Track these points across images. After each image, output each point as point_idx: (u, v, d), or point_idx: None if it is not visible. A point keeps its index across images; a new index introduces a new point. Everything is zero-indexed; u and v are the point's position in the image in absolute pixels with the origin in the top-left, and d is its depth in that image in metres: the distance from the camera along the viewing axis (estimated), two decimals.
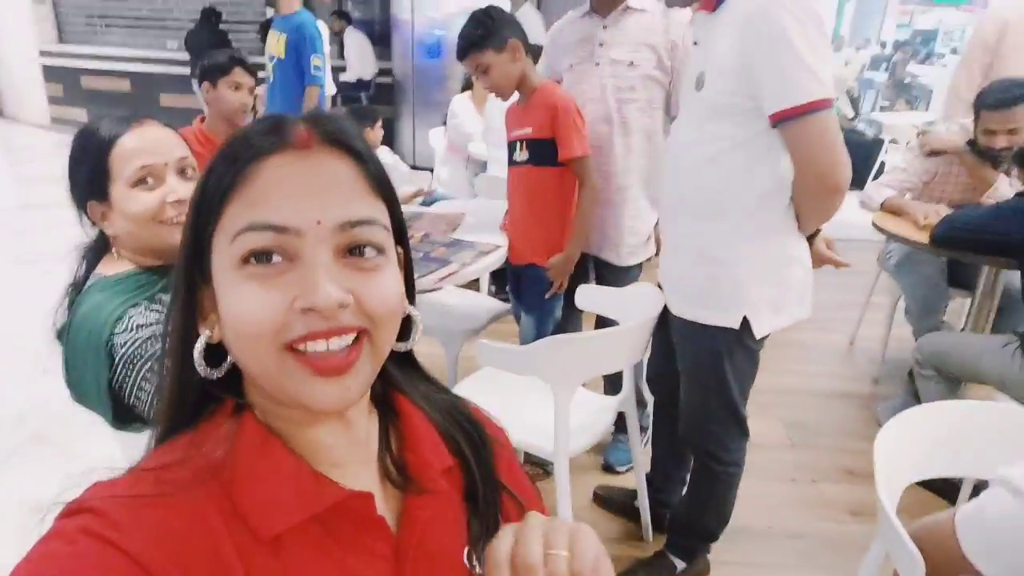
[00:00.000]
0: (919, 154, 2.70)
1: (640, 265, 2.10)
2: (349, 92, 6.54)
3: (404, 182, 3.32)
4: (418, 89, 6.19)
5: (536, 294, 2.02)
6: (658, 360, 1.76)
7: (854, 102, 7.82)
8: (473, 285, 3.02)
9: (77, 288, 1.11)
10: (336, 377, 0.49)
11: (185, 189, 1.11)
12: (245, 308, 0.48)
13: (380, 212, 0.53)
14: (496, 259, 1.94)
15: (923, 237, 2.28)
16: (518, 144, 2.00)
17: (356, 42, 6.58)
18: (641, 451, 1.95)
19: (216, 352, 0.52)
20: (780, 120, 1.30)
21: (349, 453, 0.55)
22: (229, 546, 0.47)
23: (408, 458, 0.59)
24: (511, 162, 2.05)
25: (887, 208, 2.61)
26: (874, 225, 2.53)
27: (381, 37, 6.83)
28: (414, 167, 5.79)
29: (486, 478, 0.62)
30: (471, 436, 0.63)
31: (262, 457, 0.50)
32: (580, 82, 1.98)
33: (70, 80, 7.81)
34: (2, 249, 4.31)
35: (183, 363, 0.52)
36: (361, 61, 6.60)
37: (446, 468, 0.60)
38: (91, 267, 1.13)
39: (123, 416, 1.05)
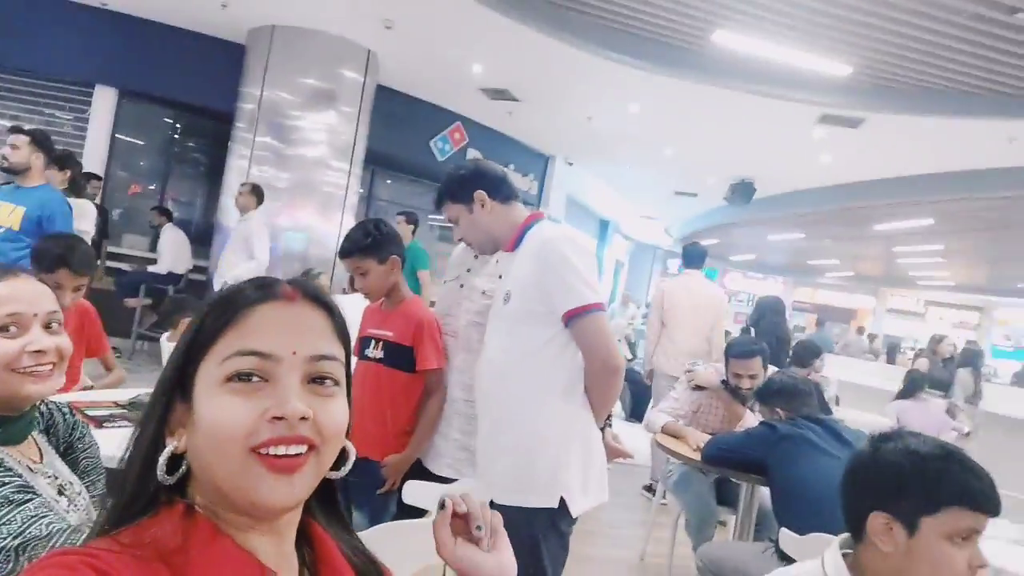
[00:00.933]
0: (687, 387, 3.26)
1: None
2: (157, 284, 6.31)
3: None
4: None
5: (368, 489, 2.02)
6: None
7: (632, 347, 9.06)
8: None
9: None
10: (287, 475, 0.59)
11: (48, 341, 1.11)
12: (224, 415, 0.58)
13: (340, 353, 0.67)
14: None
15: (698, 456, 2.69)
16: (373, 341, 2.14)
17: (172, 237, 6.52)
18: None
19: (171, 463, 0.61)
20: (569, 319, 1.67)
21: (279, 563, 0.62)
22: None
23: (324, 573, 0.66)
24: (362, 355, 2.16)
25: (666, 431, 3.05)
26: (657, 444, 2.92)
27: (201, 237, 6.85)
28: None
29: None
30: None
31: (214, 549, 0.56)
32: (445, 297, 2.24)
33: None
34: None
35: (146, 469, 0.60)
36: (174, 255, 6.49)
37: None
38: None
39: None
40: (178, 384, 0.62)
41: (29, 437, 1.17)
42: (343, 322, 0.68)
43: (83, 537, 0.99)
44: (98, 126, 6.75)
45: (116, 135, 6.92)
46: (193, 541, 0.56)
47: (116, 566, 0.51)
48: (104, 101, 6.72)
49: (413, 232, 5.76)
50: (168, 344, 3.42)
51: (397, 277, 2.13)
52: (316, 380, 0.62)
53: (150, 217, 6.73)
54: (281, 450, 0.58)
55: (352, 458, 0.69)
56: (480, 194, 1.82)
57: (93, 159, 6.65)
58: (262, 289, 0.63)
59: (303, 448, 0.59)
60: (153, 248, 6.68)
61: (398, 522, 1.59)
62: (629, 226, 15.80)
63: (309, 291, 0.66)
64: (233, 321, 0.61)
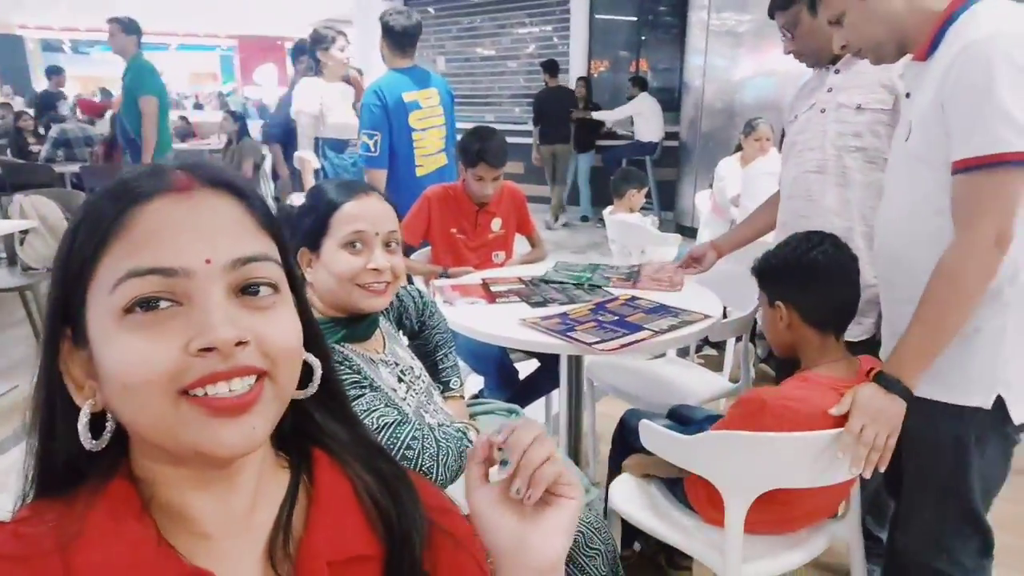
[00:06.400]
0: None
1: (856, 346, 1.62)
2: (634, 155, 6.70)
3: (652, 243, 3.21)
4: (703, 153, 6.04)
5: None
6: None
7: None
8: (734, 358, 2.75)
9: None
10: (238, 417, 0.46)
11: (385, 261, 1.20)
12: (133, 357, 0.45)
13: (271, 249, 0.50)
14: (698, 331, 1.73)
15: None
16: None
17: (647, 107, 6.71)
18: None
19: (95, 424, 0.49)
20: (958, 171, 1.12)
21: (224, 525, 0.50)
22: None
23: (301, 539, 0.52)
24: None
25: None
26: None
27: (672, 102, 6.89)
28: (690, 229, 5.63)
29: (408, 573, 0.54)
30: (402, 519, 0.55)
31: (112, 522, 0.47)
32: (803, 131, 1.76)
33: None
34: None
35: (52, 436, 0.49)
36: (650, 125, 6.70)
37: (351, 557, 0.52)
38: None
39: None
40: (62, 327, 0.48)
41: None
42: (265, 207, 0.51)
43: (406, 430, 1.09)
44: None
45: (594, 15, 7.39)
46: (95, 513, 0.46)
47: None
48: None
49: (137, 44, 4.31)
50: (612, 219, 3.57)
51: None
52: (246, 290, 0.48)
53: (627, 88, 7.07)
54: (223, 389, 0.45)
55: (319, 371, 0.55)
56: None
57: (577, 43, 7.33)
58: (144, 180, 0.48)
59: (251, 380, 0.46)
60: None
61: (731, 433, 1.30)
62: None
63: (209, 174, 0.50)
64: (112, 230, 0.46)
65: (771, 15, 1.77)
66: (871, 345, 1.58)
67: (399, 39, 3.04)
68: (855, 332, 1.62)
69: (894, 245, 1.33)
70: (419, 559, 0.54)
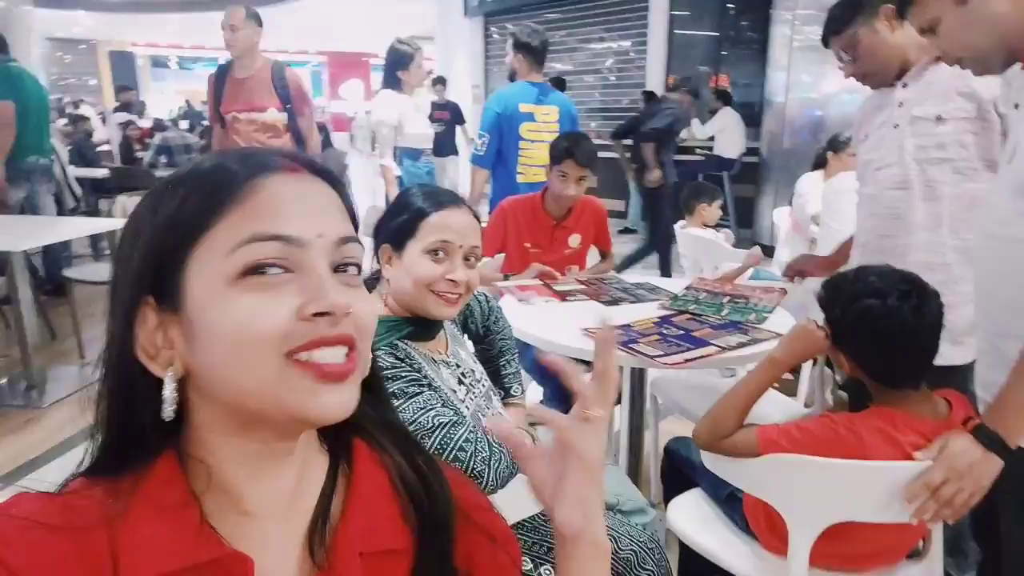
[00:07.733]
0: None
1: (956, 371, 1.51)
2: (711, 171, 6.54)
3: (726, 259, 3.12)
4: (783, 170, 5.84)
5: None
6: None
7: None
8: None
9: None
10: (341, 383, 0.49)
11: (463, 275, 1.22)
12: (247, 316, 0.46)
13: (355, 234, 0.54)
14: (768, 350, 1.66)
15: None
16: None
17: (731, 122, 6.55)
18: None
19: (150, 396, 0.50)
20: None
21: (269, 506, 0.52)
22: None
23: (337, 528, 0.53)
24: None
25: None
26: None
27: (753, 118, 6.71)
28: (768, 247, 5.45)
29: (437, 568, 0.54)
30: (433, 514, 0.56)
31: (156, 501, 0.48)
32: (877, 148, 1.68)
33: None
34: None
35: (124, 406, 0.50)
36: (731, 140, 6.54)
37: (383, 550, 0.53)
38: None
39: None
40: (150, 290, 0.48)
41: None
42: (349, 198, 0.55)
43: (460, 431, 1.10)
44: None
45: (674, 31, 7.31)
46: (144, 489, 0.48)
47: (14, 541, 0.44)
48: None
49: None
50: (683, 233, 3.50)
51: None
52: (341, 268, 0.51)
53: (710, 102, 6.93)
54: (327, 355, 0.48)
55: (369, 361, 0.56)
56: None
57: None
58: (258, 158, 0.51)
59: (346, 350, 0.49)
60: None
61: (794, 457, 1.23)
62: None
63: (308, 162, 0.53)
64: (233, 198, 0.47)
65: (825, 44, 1.70)
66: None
67: (538, 55, 3.22)
68: (955, 355, 1.48)
69: (990, 276, 1.21)
70: (449, 552, 0.55)
